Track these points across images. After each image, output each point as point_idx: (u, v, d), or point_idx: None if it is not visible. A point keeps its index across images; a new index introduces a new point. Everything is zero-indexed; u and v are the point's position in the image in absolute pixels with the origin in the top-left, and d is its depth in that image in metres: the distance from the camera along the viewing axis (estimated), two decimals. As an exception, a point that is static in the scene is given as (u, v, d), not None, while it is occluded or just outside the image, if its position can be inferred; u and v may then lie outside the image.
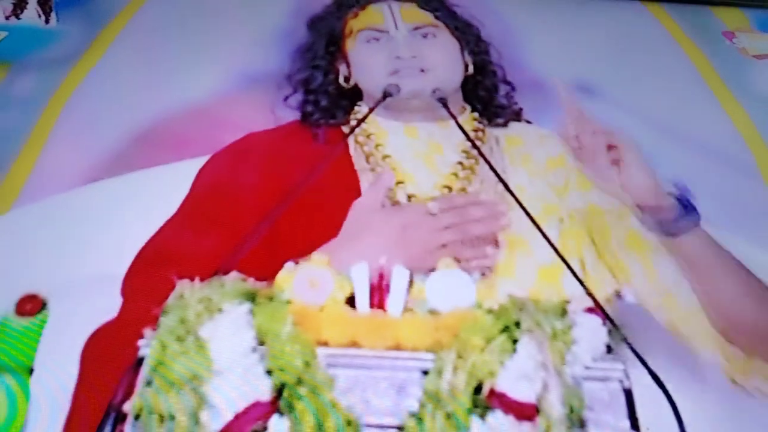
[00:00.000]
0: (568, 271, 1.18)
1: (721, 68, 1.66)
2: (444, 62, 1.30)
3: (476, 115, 1.38)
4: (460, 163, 1.29)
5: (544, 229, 0.99)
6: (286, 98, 1.40)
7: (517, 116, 1.41)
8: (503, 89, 1.40)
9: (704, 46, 1.70)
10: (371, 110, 1.21)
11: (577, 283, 1.14)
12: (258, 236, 0.92)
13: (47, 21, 1.73)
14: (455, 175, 1.28)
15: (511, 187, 1.23)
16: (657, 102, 1.58)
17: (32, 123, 1.51)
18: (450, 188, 1.26)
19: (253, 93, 1.55)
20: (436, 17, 1.32)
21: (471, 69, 1.35)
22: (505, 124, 1.38)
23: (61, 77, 1.58)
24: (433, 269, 0.84)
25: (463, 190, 1.27)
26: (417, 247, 1.08)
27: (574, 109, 1.10)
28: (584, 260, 1.22)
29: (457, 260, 1.09)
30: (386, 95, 1.23)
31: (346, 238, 1.11)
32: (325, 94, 1.37)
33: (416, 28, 1.30)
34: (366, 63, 1.32)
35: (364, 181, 1.28)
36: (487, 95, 1.38)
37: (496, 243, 1.16)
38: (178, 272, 0.79)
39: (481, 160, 1.26)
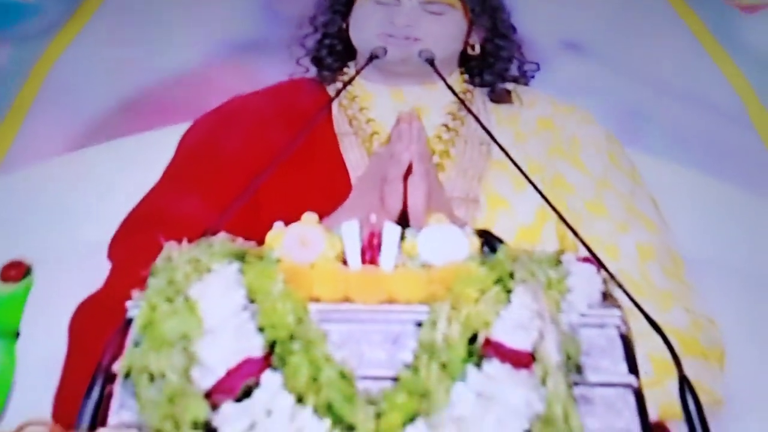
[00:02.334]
0: (546, 232, 1.19)
1: (712, 23, 1.65)
2: (437, 36, 1.28)
3: (466, 77, 1.38)
4: (445, 125, 1.29)
5: (528, 189, 0.97)
6: (304, 37, 1.40)
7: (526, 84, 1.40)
8: (518, 71, 1.37)
9: (693, 1, 1.69)
10: (357, 72, 1.21)
11: (554, 243, 1.17)
12: (245, 199, 0.91)
13: (27, -5, 1.71)
14: (439, 137, 1.28)
15: (496, 148, 1.23)
16: (648, 59, 1.57)
17: (13, 94, 1.50)
18: (433, 151, 1.25)
19: (238, 60, 1.55)
20: None
21: (477, 50, 1.34)
22: (498, 102, 1.37)
23: (42, 49, 1.57)
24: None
25: (446, 152, 1.27)
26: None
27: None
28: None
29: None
30: (372, 57, 1.22)
31: (344, 207, 1.10)
32: (341, 39, 1.36)
33: (428, 2, 1.29)
34: (362, 19, 1.32)
35: (345, 143, 1.27)
36: (493, 79, 1.37)
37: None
38: (167, 235, 0.78)
39: (467, 120, 1.26)
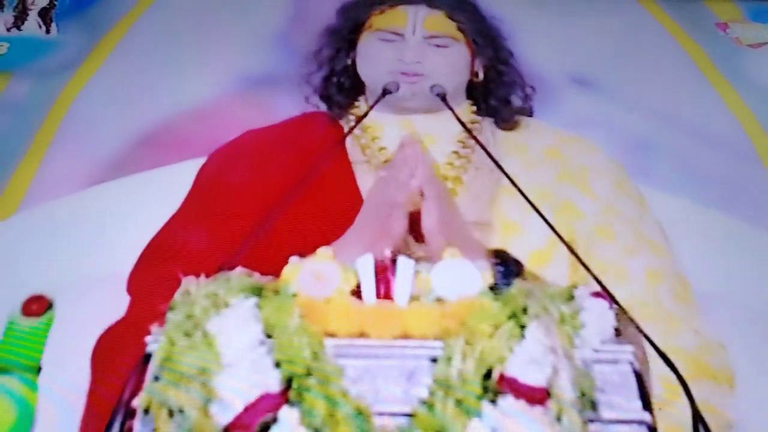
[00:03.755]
0: (557, 256, 1.20)
1: (717, 58, 1.67)
2: (445, 71, 1.31)
3: (474, 107, 1.39)
4: (456, 152, 1.31)
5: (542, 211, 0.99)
6: (310, 74, 1.42)
7: (529, 115, 1.43)
8: (519, 95, 1.41)
9: (699, 37, 1.72)
10: (371, 108, 1.23)
11: (564, 266, 1.18)
12: (262, 232, 0.93)
13: (48, 31, 1.75)
14: (450, 164, 1.29)
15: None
16: (655, 93, 1.59)
17: (34, 129, 1.53)
18: (445, 177, 1.27)
19: (253, 95, 1.57)
20: (460, 28, 1.33)
21: (481, 76, 1.37)
22: (505, 128, 1.40)
23: (62, 84, 1.60)
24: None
25: (458, 178, 1.28)
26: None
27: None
28: (576, 243, 1.24)
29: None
30: (385, 92, 1.24)
31: (351, 231, 1.12)
32: (348, 76, 1.39)
33: (432, 37, 1.31)
34: (371, 58, 1.34)
35: (359, 172, 1.29)
36: (498, 104, 1.39)
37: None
38: (183, 268, 0.79)
39: (477, 149, 1.28)
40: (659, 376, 0.80)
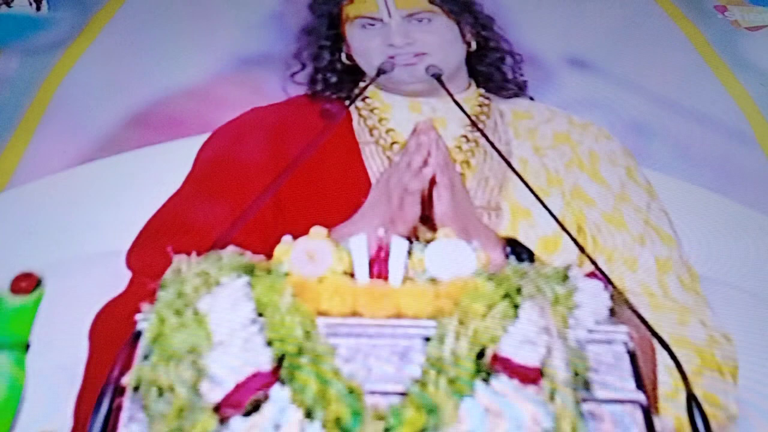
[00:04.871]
0: (566, 242, 1.20)
1: (715, 41, 1.67)
2: (439, 45, 1.31)
3: (482, 90, 1.40)
4: (465, 136, 1.31)
5: (548, 199, 0.99)
6: (293, 74, 1.42)
7: (521, 88, 1.43)
8: (509, 61, 1.41)
9: (697, 19, 1.71)
10: (367, 85, 1.23)
11: (574, 253, 1.18)
12: (256, 209, 0.92)
13: (38, 8, 1.73)
14: (459, 147, 1.29)
15: (515, 159, 1.27)
16: (652, 75, 1.59)
17: (24, 107, 1.52)
18: (454, 160, 1.26)
19: (246, 74, 1.56)
20: (431, 1, 1.32)
21: (474, 46, 1.37)
22: (510, 96, 1.41)
23: (53, 61, 1.59)
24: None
25: (466, 162, 1.29)
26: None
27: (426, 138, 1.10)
28: (585, 230, 1.24)
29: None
30: (380, 72, 1.24)
31: (359, 215, 1.12)
32: (333, 71, 1.39)
33: (410, 15, 1.31)
34: (363, 48, 1.33)
35: (366, 152, 1.29)
36: (489, 70, 1.40)
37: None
38: (182, 245, 0.78)
39: (487, 130, 1.28)
40: (667, 367, 0.79)
